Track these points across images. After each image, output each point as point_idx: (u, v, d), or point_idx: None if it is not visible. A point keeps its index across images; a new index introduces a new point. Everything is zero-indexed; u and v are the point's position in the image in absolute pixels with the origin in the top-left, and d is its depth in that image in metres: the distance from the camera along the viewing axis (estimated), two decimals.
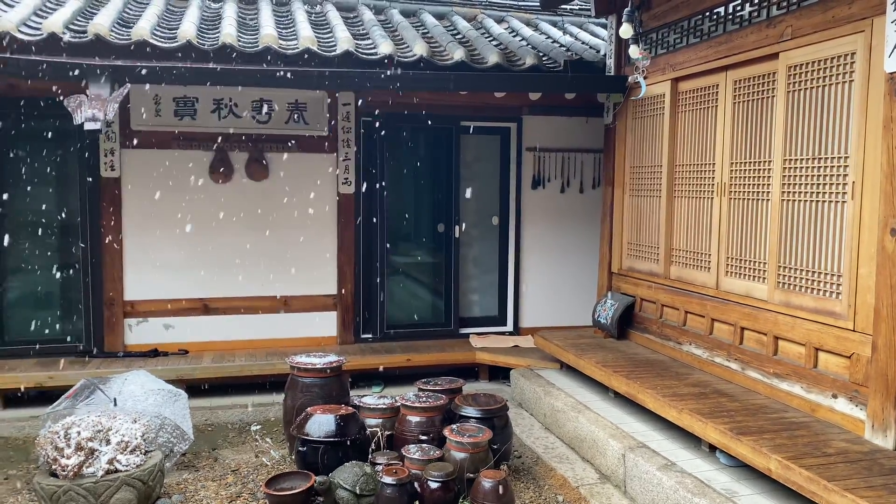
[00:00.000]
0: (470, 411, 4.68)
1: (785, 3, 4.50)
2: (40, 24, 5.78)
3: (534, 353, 6.81)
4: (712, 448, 4.27)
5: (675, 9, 5.63)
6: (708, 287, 5.25)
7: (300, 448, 4.36)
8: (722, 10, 5.12)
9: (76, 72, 5.11)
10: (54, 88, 5.59)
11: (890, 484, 3.28)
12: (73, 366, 6.18)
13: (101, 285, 6.55)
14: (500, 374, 6.98)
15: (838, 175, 4.07)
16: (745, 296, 4.85)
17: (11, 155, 6.30)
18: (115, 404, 4.57)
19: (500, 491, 3.94)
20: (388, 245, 7.26)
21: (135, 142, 6.51)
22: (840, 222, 4.07)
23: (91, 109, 4.90)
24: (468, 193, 7.44)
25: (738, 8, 4.95)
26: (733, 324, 4.95)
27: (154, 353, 6.56)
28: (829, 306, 4.13)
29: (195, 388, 6.06)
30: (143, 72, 5.27)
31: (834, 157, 4.10)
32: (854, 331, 3.95)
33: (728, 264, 5.06)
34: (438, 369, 6.59)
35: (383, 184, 7.16)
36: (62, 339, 6.52)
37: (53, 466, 3.83)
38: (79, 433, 3.86)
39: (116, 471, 3.84)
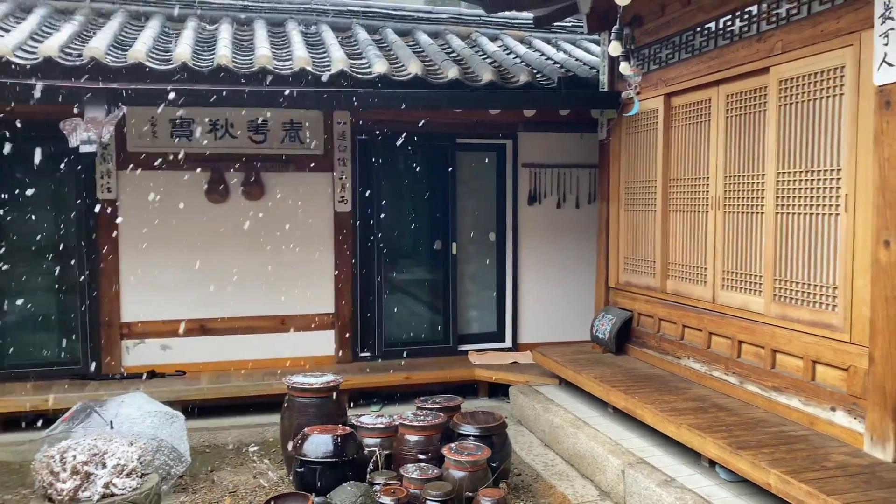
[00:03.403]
0: (468, 429, 4.66)
1: (774, 18, 4.54)
2: (36, 48, 5.81)
3: (532, 369, 6.80)
4: (712, 463, 4.24)
5: (666, 25, 5.68)
6: (705, 301, 5.25)
7: (298, 469, 4.33)
8: (713, 25, 5.16)
9: (71, 95, 5.13)
10: (50, 111, 5.61)
11: (890, 498, 3.27)
12: (71, 388, 6.15)
13: (97, 307, 6.54)
14: (499, 390, 6.95)
15: (831, 188, 4.08)
16: (742, 309, 4.85)
17: (7, 177, 6.31)
18: (112, 427, 4.55)
19: None
20: (385, 263, 7.26)
21: (131, 163, 6.53)
22: (834, 234, 4.08)
23: (86, 132, 4.93)
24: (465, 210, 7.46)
25: (729, 23, 4.99)
26: (731, 337, 4.94)
27: (151, 374, 6.53)
28: (826, 319, 4.13)
29: (193, 410, 6.03)
30: (139, 94, 5.29)
31: (826, 170, 4.12)
32: (851, 343, 3.95)
33: (724, 278, 5.07)
34: (437, 387, 6.58)
35: (380, 202, 7.18)
36: (59, 361, 6.49)
37: (49, 491, 3.80)
38: (74, 457, 3.83)
39: (112, 494, 3.81)
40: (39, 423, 5.66)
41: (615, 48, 5.54)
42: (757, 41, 4.67)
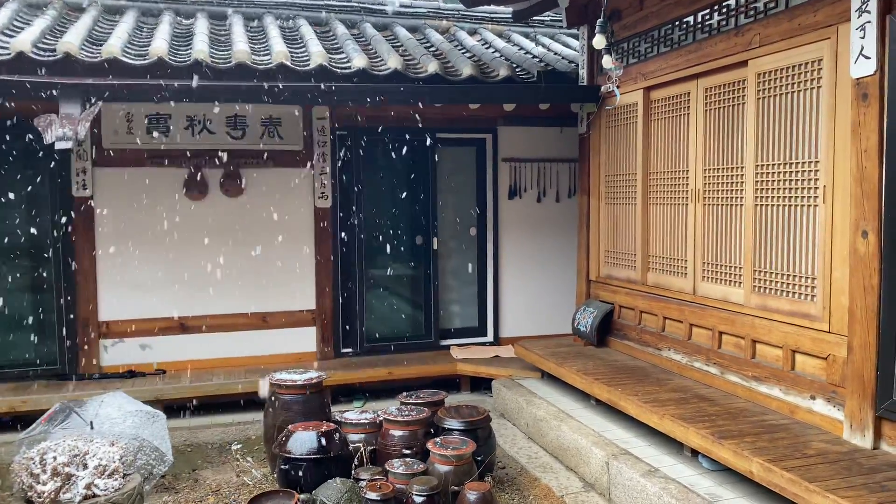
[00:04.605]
0: (453, 423, 4.66)
1: (752, 12, 4.58)
2: (8, 43, 5.70)
3: (515, 362, 6.82)
4: (695, 453, 4.29)
5: (645, 19, 5.71)
6: (685, 292, 5.29)
7: (282, 466, 4.31)
8: (691, 19, 5.20)
9: (44, 91, 5.04)
10: (23, 108, 5.52)
11: (869, 483, 3.32)
12: (48, 389, 6.06)
13: (74, 306, 6.44)
14: (481, 385, 6.97)
15: (809, 179, 4.14)
16: (722, 300, 4.90)
17: None
18: (92, 427, 4.49)
19: (485, 503, 3.92)
20: (366, 259, 7.23)
21: (107, 160, 6.43)
22: (813, 226, 4.13)
23: (61, 128, 4.84)
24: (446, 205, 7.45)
25: (707, 17, 5.03)
26: (711, 328, 4.99)
27: (131, 373, 6.45)
28: (805, 309, 4.19)
29: (174, 409, 5.97)
30: (114, 90, 5.21)
31: (805, 162, 4.17)
32: (829, 332, 4.01)
33: (704, 269, 5.11)
34: (420, 382, 6.58)
35: (360, 197, 7.15)
36: (36, 362, 6.39)
37: (29, 493, 3.74)
38: (55, 458, 3.78)
39: (94, 496, 3.77)
40: (16, 425, 5.57)
41: (599, 41, 5.55)
42: (735, 35, 4.71)
